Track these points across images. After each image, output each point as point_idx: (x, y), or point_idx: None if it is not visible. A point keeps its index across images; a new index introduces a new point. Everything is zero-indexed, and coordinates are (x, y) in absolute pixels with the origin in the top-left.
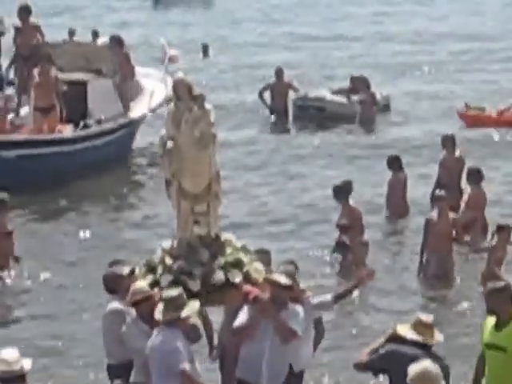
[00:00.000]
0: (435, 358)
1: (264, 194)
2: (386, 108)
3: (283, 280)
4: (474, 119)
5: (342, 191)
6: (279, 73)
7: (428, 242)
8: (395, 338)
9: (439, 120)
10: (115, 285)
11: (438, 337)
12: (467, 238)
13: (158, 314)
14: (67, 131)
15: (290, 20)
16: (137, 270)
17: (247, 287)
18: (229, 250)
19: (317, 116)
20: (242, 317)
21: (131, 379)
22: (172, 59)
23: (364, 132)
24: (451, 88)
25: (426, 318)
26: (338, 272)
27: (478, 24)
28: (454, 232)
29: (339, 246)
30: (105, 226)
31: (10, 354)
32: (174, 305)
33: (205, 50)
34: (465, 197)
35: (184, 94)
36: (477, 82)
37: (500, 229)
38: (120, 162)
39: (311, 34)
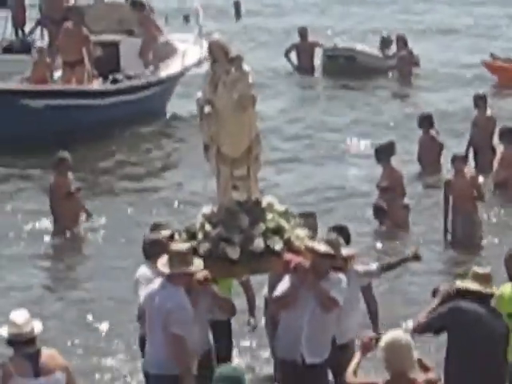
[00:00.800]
0: (495, 314)
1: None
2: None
3: (323, 248)
4: (500, 70)
5: (385, 152)
6: (303, 32)
7: (450, 204)
8: (451, 296)
9: (470, 85)
10: (151, 250)
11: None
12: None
13: (163, 266)
14: (96, 84)
15: None
16: (176, 236)
17: (288, 255)
18: (270, 216)
19: (347, 67)
20: (282, 286)
21: None
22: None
23: (399, 91)
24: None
25: (483, 269)
26: (377, 237)
27: None
28: (474, 191)
29: (377, 211)
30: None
31: (20, 316)
32: (182, 259)
33: (237, 9)
34: (498, 156)
35: (220, 56)
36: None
37: None
38: (152, 120)
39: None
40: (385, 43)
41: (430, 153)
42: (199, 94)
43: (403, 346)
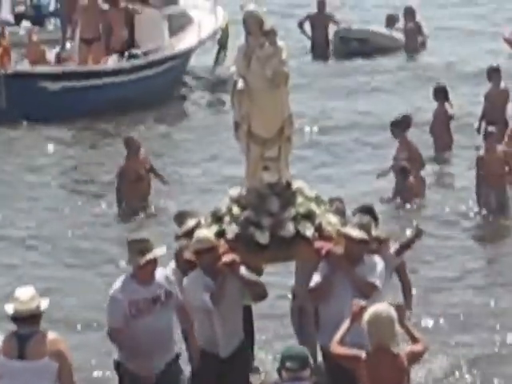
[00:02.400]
0: None
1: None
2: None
3: (356, 233)
4: None
5: (400, 125)
6: (321, 5)
7: (482, 180)
8: None
9: (484, 54)
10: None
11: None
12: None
13: None
14: (112, 62)
15: None
16: (202, 220)
17: (319, 242)
18: (300, 200)
19: (360, 49)
20: (316, 276)
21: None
22: None
23: (408, 61)
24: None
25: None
26: (400, 198)
27: None
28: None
29: (401, 171)
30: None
31: (25, 292)
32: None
33: None
34: (508, 129)
35: (255, 29)
36: None
37: None
38: (169, 95)
39: None
40: (390, 20)
41: (442, 125)
42: (233, 69)
43: (384, 319)
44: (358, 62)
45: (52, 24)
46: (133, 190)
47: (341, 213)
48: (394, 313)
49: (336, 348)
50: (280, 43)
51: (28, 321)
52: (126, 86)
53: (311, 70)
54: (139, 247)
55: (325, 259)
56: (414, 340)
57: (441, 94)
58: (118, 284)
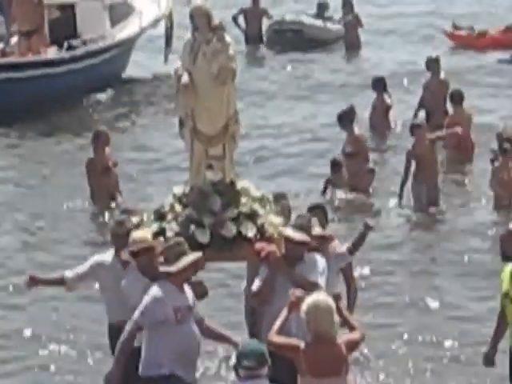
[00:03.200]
0: None
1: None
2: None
3: (294, 235)
4: (463, 40)
5: (347, 117)
6: None
7: (413, 173)
8: None
9: (424, 44)
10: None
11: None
12: None
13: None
14: (51, 53)
15: None
16: (145, 217)
17: (260, 244)
18: (244, 200)
19: (294, 40)
20: (257, 279)
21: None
22: None
23: (348, 56)
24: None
25: None
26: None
27: None
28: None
29: (333, 165)
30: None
31: None
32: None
33: None
34: (448, 118)
35: (202, 24)
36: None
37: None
38: (110, 86)
39: None
40: (321, 8)
41: (381, 115)
42: (178, 64)
43: (322, 308)
44: (292, 55)
45: None
46: (101, 183)
47: (286, 211)
48: (332, 302)
49: (274, 338)
50: (227, 39)
51: None
52: (66, 76)
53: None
54: (177, 251)
55: (265, 261)
56: (352, 328)
57: (379, 84)
58: (159, 287)
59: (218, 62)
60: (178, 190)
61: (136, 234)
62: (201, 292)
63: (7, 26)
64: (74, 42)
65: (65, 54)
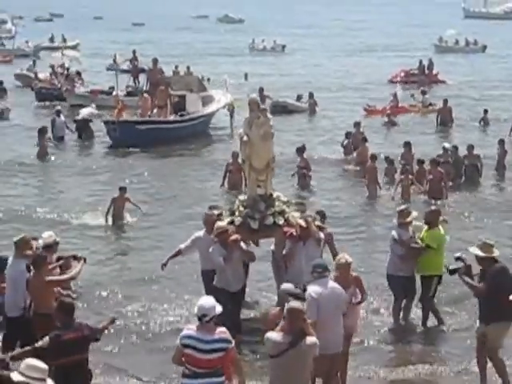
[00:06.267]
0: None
1: None
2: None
3: (303, 223)
4: (372, 112)
5: (301, 150)
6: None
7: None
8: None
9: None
10: (206, 222)
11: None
12: None
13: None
14: (172, 117)
15: None
16: (223, 212)
17: (286, 228)
18: (277, 203)
19: (283, 110)
20: (286, 248)
21: (214, 283)
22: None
23: (309, 120)
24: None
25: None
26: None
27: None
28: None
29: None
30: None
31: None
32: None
33: (245, 76)
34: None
35: (254, 107)
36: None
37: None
38: (200, 138)
39: None
40: (299, 97)
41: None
42: (241, 131)
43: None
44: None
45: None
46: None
47: (303, 210)
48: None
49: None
50: (269, 116)
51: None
52: (180, 129)
53: None
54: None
55: (289, 238)
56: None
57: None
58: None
59: (264, 128)
60: (242, 197)
61: (218, 224)
62: (251, 257)
63: (152, 103)
64: (184, 113)
65: (179, 118)
